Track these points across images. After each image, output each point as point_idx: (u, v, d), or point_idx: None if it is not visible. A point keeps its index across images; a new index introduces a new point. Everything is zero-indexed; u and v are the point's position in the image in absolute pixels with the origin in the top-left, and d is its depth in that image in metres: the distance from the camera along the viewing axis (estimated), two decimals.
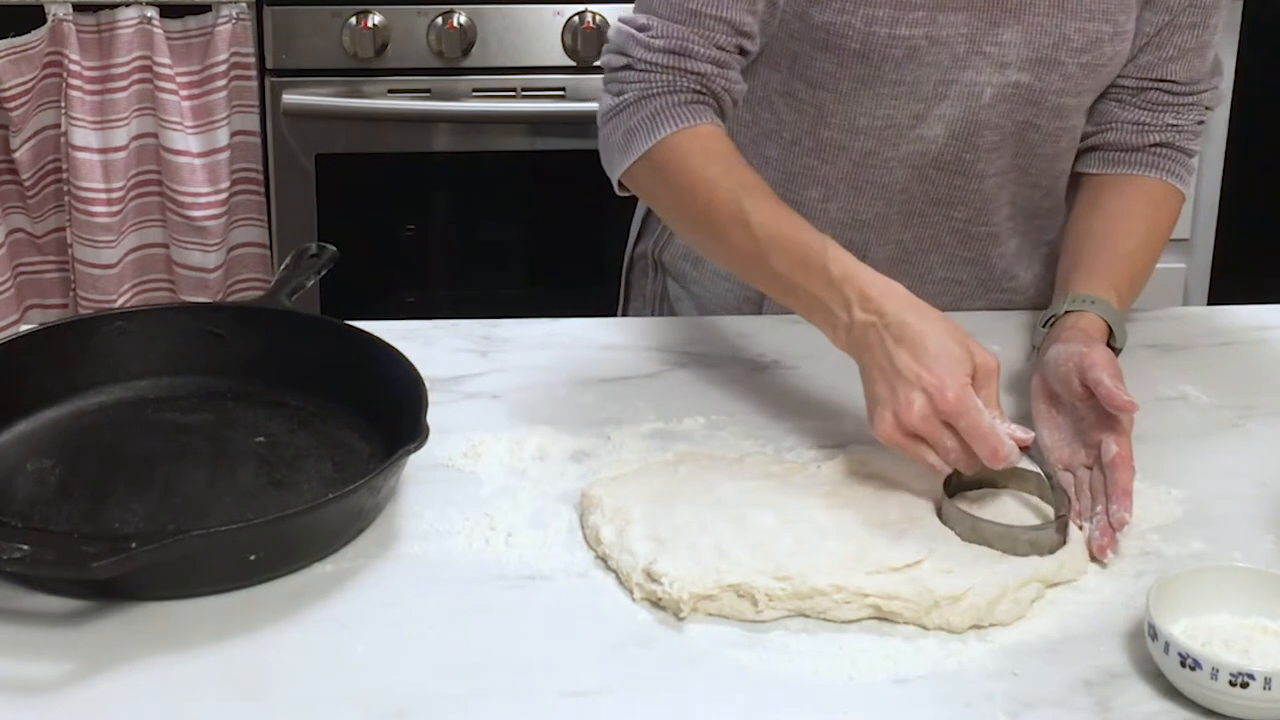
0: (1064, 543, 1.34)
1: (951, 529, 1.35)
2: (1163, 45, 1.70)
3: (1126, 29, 1.66)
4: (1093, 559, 1.35)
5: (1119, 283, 1.59)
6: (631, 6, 1.65)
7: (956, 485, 1.39)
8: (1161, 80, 1.71)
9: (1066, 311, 1.56)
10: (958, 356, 1.35)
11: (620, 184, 1.63)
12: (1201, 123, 1.75)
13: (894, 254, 1.75)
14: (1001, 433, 1.34)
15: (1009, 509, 1.40)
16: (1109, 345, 1.53)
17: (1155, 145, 1.72)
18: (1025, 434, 1.36)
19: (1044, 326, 1.57)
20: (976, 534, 1.34)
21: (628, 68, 1.61)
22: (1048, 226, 1.79)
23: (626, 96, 1.59)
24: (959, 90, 1.65)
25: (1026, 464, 1.39)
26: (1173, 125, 1.72)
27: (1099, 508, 1.39)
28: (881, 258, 1.74)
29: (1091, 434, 1.44)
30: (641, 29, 1.60)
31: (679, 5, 1.59)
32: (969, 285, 1.79)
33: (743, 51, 1.62)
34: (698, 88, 1.59)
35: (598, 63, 1.70)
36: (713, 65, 1.59)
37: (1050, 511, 1.38)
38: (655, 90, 1.58)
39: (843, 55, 1.63)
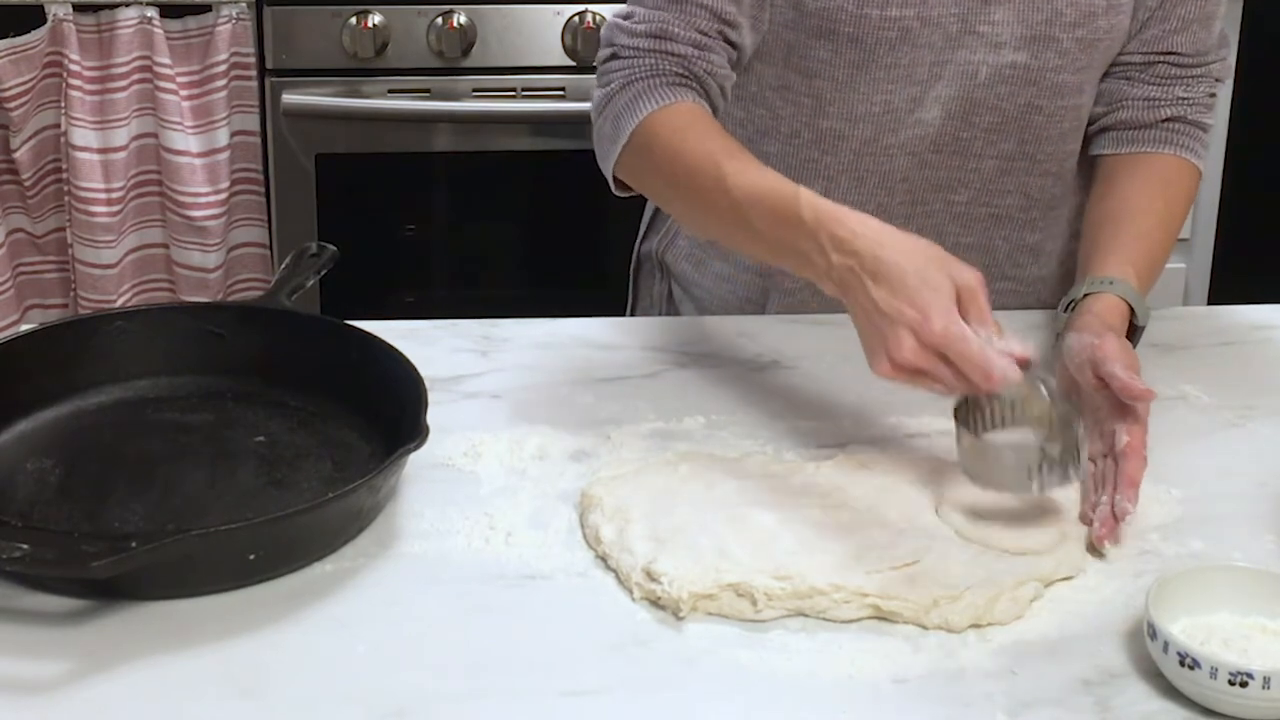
0: (1076, 454, 1.33)
1: (965, 466, 1.35)
2: (1167, 18, 1.70)
3: (1122, 3, 1.67)
4: (1092, 550, 1.35)
5: (1137, 260, 1.59)
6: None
7: (974, 418, 1.37)
8: (1168, 53, 1.71)
9: (1085, 295, 1.56)
10: (936, 284, 1.32)
11: (617, 181, 1.62)
12: (1213, 95, 1.75)
13: None
14: (991, 355, 1.30)
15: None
16: (1131, 323, 1.53)
17: (1167, 120, 1.72)
18: (1024, 349, 1.33)
19: (1064, 312, 1.57)
20: (982, 456, 1.33)
21: (613, 57, 1.62)
22: (1068, 218, 1.79)
23: (612, 86, 1.61)
24: (954, 70, 1.65)
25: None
26: (1183, 98, 1.72)
27: (1104, 497, 1.38)
28: None
29: (1106, 424, 1.44)
30: (626, 17, 1.63)
31: None
32: None
33: (728, 41, 1.62)
34: (679, 70, 1.59)
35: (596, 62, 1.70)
36: (693, 48, 1.59)
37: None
38: (638, 75, 1.59)
39: (837, 41, 1.63)
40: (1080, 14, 1.65)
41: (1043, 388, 1.35)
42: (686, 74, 1.60)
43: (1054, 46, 1.66)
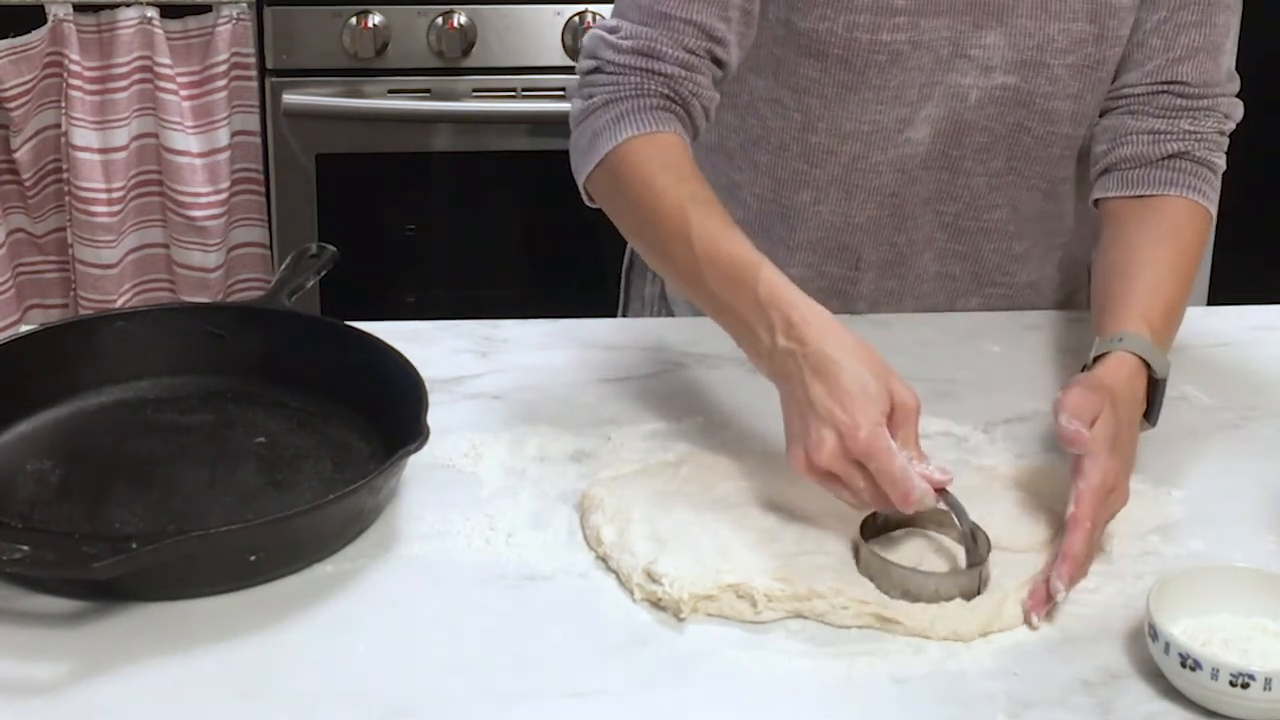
0: (978, 591, 1.29)
1: (864, 573, 1.31)
2: (1170, 47, 1.66)
3: (1119, 34, 1.65)
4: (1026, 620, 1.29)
5: (1150, 313, 1.50)
6: None
7: (882, 523, 1.35)
8: (1172, 82, 1.66)
9: (1095, 358, 1.47)
10: (874, 394, 1.30)
11: (588, 193, 1.58)
12: (1223, 135, 1.68)
13: (888, 256, 1.74)
14: (913, 476, 1.29)
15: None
16: (1150, 377, 1.46)
17: (1173, 156, 1.65)
18: (943, 475, 1.31)
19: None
20: (887, 577, 1.29)
21: (597, 70, 1.58)
22: (1056, 229, 1.78)
23: (594, 100, 1.57)
24: (944, 92, 1.64)
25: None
26: (1190, 132, 1.65)
27: (1048, 565, 1.32)
28: (875, 260, 1.74)
29: (1073, 487, 1.36)
30: (611, 31, 1.58)
31: (648, 8, 1.56)
32: (963, 280, 1.78)
33: (715, 59, 1.58)
34: (665, 91, 1.55)
35: None
36: (680, 68, 1.55)
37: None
38: (623, 94, 1.55)
39: (826, 61, 1.62)
40: (1071, 41, 1.63)
41: (955, 518, 1.32)
42: (672, 95, 1.56)
43: (1045, 72, 1.64)
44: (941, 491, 1.31)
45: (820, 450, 1.29)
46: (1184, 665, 1.18)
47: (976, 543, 1.31)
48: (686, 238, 1.44)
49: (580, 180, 1.58)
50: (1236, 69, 1.75)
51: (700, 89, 1.57)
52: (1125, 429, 1.39)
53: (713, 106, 1.60)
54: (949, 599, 1.28)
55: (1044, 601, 1.29)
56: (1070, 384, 1.41)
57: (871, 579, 1.30)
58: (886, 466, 1.28)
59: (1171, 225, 1.62)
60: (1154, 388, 1.46)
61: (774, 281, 1.38)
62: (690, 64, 1.56)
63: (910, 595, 1.28)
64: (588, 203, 1.59)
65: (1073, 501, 1.33)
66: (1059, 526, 1.37)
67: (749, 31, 1.62)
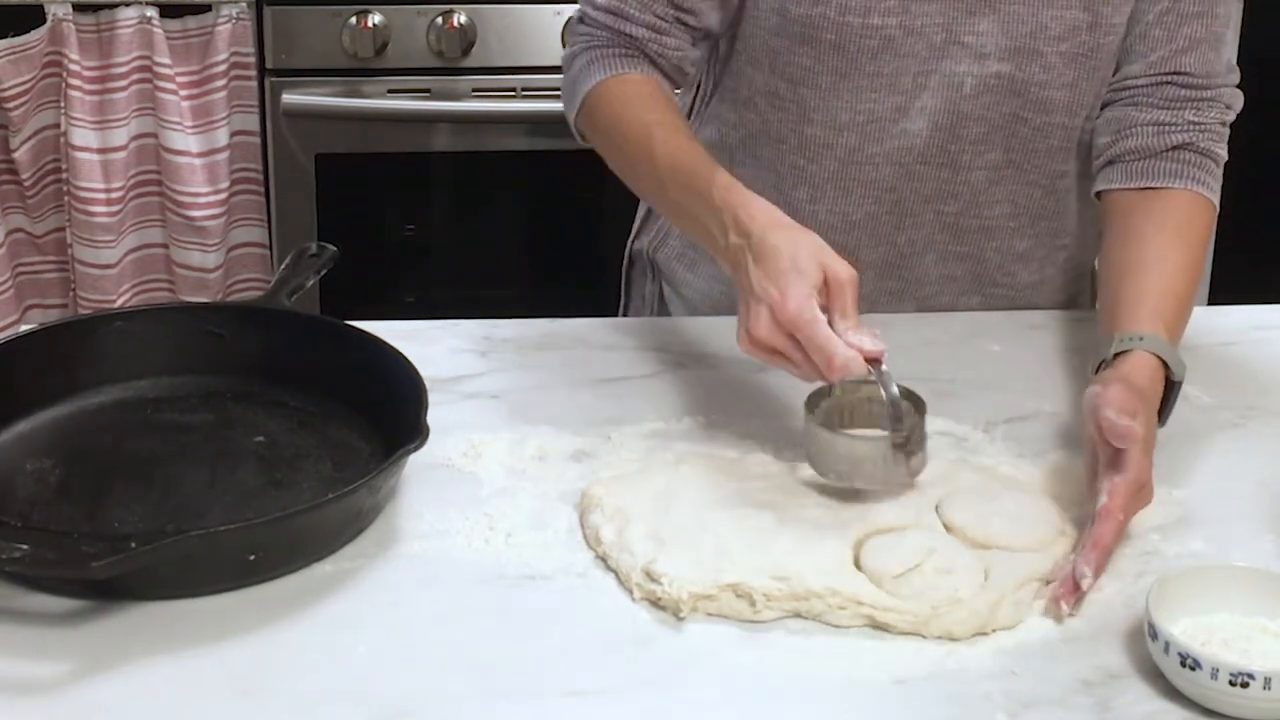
0: (906, 454, 1.36)
1: (807, 453, 1.39)
2: (1172, 38, 1.66)
3: (1113, 22, 1.65)
4: (1053, 615, 1.29)
5: (1165, 313, 1.52)
6: None
7: (821, 409, 1.42)
8: (1176, 73, 1.67)
9: (1115, 354, 1.48)
10: (804, 269, 1.36)
11: (579, 131, 1.70)
12: (1225, 125, 1.69)
13: (887, 256, 1.74)
14: (837, 344, 1.33)
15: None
16: (1167, 378, 1.47)
17: (1178, 147, 1.65)
18: (874, 345, 1.35)
19: (1094, 374, 1.49)
20: (828, 451, 1.37)
21: (581, 20, 1.70)
22: (1059, 230, 1.78)
23: (574, 48, 1.69)
24: (939, 81, 1.65)
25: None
26: (1194, 123, 1.66)
27: (1074, 556, 1.32)
28: (874, 260, 1.74)
29: (1103, 479, 1.36)
30: None
31: None
32: (964, 281, 1.78)
33: (686, 26, 1.67)
34: (632, 52, 1.66)
35: None
36: (648, 30, 1.66)
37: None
38: (595, 44, 1.67)
39: (819, 48, 1.64)
40: (1065, 28, 1.64)
41: (882, 390, 1.37)
42: (639, 53, 1.66)
43: (1039, 60, 1.65)
44: (874, 362, 1.36)
45: (757, 326, 1.37)
46: (1184, 665, 1.18)
47: (901, 419, 1.36)
48: (650, 156, 1.55)
49: (570, 119, 1.70)
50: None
51: (667, 49, 1.67)
52: (1151, 429, 1.40)
53: (688, 63, 1.70)
54: (881, 462, 1.35)
55: (1073, 590, 1.29)
56: (1107, 381, 1.41)
57: (814, 461, 1.38)
58: (810, 335, 1.34)
59: (1179, 221, 1.63)
60: (1168, 389, 1.48)
61: (727, 185, 1.47)
62: (658, 27, 1.66)
63: (843, 464, 1.36)
64: (580, 141, 1.72)
65: (1105, 493, 1.34)
66: (1058, 526, 1.37)
67: (727, 8, 1.68)
